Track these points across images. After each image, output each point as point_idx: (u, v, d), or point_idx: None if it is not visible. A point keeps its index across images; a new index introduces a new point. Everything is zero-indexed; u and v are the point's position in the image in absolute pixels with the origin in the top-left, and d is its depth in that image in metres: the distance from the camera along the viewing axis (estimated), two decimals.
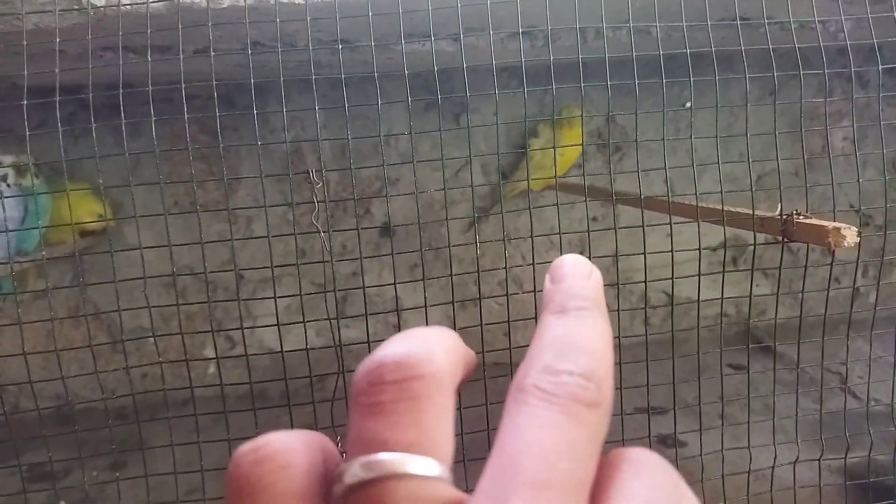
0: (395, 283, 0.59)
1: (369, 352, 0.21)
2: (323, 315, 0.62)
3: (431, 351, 0.20)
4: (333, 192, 1.33)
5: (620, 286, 1.07)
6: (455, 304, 0.64)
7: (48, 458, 0.53)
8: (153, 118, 0.56)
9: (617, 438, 0.67)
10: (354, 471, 0.18)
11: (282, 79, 0.56)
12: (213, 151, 1.28)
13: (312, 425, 0.97)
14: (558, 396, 0.19)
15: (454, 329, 0.24)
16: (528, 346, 0.22)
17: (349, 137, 0.56)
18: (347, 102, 0.59)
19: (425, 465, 0.18)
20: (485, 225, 1.39)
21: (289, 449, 0.19)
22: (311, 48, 0.56)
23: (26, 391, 1.22)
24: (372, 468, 0.18)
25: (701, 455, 0.71)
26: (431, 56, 0.58)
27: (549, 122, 1.23)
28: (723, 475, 0.72)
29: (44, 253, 0.58)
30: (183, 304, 0.63)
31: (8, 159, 0.81)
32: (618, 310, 0.69)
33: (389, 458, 0.18)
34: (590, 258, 0.27)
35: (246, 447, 0.20)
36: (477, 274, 0.62)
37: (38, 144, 0.89)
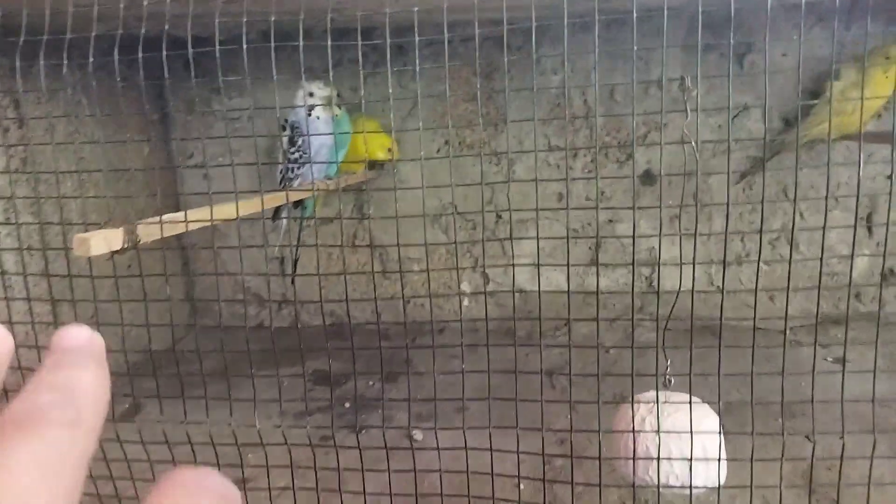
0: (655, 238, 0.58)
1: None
2: (572, 259, 0.63)
3: None
4: (598, 136, 1.31)
5: None
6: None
7: (328, 366, 0.62)
8: (417, 67, 0.59)
9: None
10: None
11: (566, 20, 0.57)
12: (486, 93, 1.33)
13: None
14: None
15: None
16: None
17: (596, 84, 0.55)
18: (623, 41, 0.58)
19: None
20: (759, 177, 1.27)
21: None
22: None
23: (307, 308, 1.47)
24: None
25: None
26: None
27: (855, 64, 1.07)
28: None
29: (341, 186, 0.67)
30: (431, 245, 0.67)
31: (319, 93, 0.98)
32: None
33: None
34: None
35: None
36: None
37: (337, 80, 1.05)
